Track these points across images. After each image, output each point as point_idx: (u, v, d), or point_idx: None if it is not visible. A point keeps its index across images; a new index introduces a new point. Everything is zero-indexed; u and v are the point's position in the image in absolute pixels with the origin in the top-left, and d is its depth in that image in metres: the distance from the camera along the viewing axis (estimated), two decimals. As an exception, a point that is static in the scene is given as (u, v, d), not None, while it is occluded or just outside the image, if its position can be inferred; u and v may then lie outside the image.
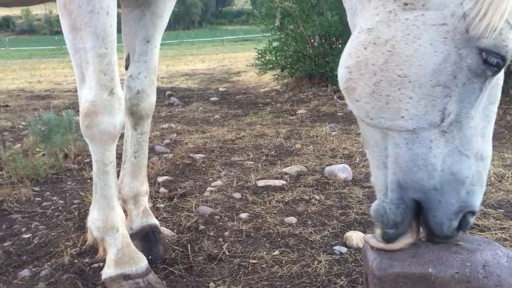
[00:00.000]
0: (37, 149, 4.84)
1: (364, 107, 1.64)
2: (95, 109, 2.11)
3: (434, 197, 1.61)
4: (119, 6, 2.31)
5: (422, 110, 1.54)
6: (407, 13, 1.51)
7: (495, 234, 2.77)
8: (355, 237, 2.76)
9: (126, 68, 2.61)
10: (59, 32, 2.13)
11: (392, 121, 1.59)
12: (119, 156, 2.82)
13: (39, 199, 3.74)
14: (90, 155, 2.28)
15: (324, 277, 2.41)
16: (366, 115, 1.65)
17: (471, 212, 1.64)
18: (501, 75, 1.60)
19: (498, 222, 2.94)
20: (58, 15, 2.13)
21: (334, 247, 2.73)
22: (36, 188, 3.98)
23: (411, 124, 1.56)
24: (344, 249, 2.70)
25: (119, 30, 2.18)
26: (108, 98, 2.11)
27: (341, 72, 1.68)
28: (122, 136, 2.82)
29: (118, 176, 2.65)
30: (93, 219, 2.34)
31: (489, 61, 1.45)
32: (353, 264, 2.54)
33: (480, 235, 2.75)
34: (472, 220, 1.68)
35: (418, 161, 1.59)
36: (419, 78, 1.51)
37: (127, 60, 2.60)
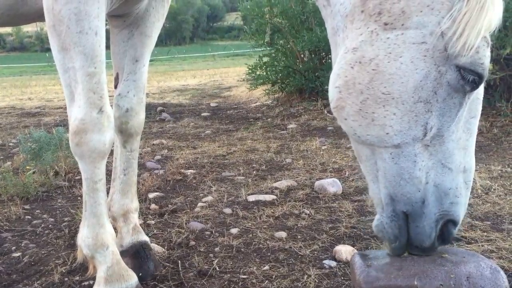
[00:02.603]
0: (27, 167, 4.84)
1: (352, 125, 1.70)
2: (84, 127, 2.13)
3: (420, 209, 1.66)
4: (107, 24, 2.35)
5: (405, 126, 1.60)
6: (387, 32, 1.56)
7: (482, 246, 2.80)
8: (345, 251, 2.79)
9: (115, 87, 2.64)
10: (50, 49, 2.17)
11: (378, 138, 1.64)
12: (108, 173, 2.84)
13: (29, 217, 3.73)
14: (80, 172, 2.30)
15: (313, 291, 2.43)
16: (353, 132, 1.71)
17: (453, 222, 1.69)
18: (481, 90, 1.66)
19: (485, 234, 2.98)
20: (49, 34, 2.16)
21: (324, 261, 2.75)
22: (26, 206, 3.97)
23: (395, 139, 1.62)
24: (333, 263, 2.72)
25: (108, 47, 2.22)
26: (97, 116, 2.13)
27: (331, 92, 1.74)
28: (112, 153, 2.85)
29: (108, 193, 2.67)
30: (83, 237, 2.35)
31: (466, 78, 1.50)
32: (342, 278, 2.56)
33: (467, 247, 2.78)
34: (455, 231, 1.72)
35: (405, 174, 1.64)
36: (402, 95, 1.56)
37: (116, 79, 2.63)
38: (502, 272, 1.75)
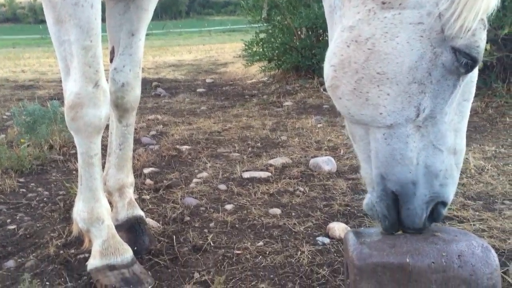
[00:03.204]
0: (21, 140, 4.81)
1: (346, 104, 1.69)
2: (80, 102, 2.12)
3: (411, 190, 1.67)
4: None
5: (399, 106, 1.60)
6: (385, 11, 1.55)
7: (474, 225, 2.84)
8: (338, 228, 2.82)
9: (111, 61, 2.61)
10: (44, 21, 2.13)
11: (371, 117, 1.64)
12: (104, 148, 2.83)
13: (24, 190, 3.74)
14: (75, 147, 2.29)
15: (306, 267, 2.46)
16: (348, 112, 1.71)
17: (443, 203, 1.71)
18: (475, 73, 1.66)
19: (477, 213, 3.01)
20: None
21: (317, 238, 2.79)
22: (21, 179, 3.97)
23: (389, 120, 1.62)
24: (327, 240, 2.76)
25: (103, 20, 2.19)
26: (93, 91, 2.12)
27: (327, 71, 1.73)
28: (107, 127, 2.84)
29: (103, 167, 2.67)
30: (79, 211, 2.36)
31: (461, 60, 1.50)
32: (335, 254, 2.60)
33: (459, 226, 2.82)
34: (445, 211, 1.75)
35: (396, 155, 1.65)
36: (397, 75, 1.56)
37: (112, 53, 2.61)
38: (493, 251, 1.78)
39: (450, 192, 1.71)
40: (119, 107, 2.62)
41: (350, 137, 1.83)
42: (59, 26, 2.04)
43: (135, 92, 2.63)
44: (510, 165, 3.90)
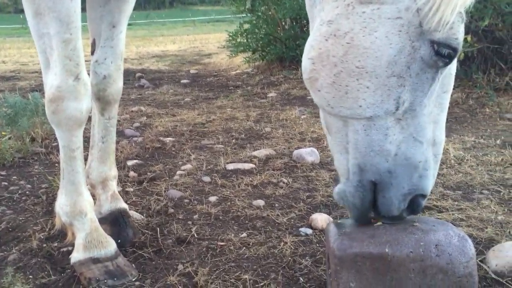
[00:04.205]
0: (3, 133, 4.75)
1: (325, 97, 1.71)
2: (60, 95, 2.11)
3: (388, 179, 1.71)
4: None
5: (378, 99, 1.62)
6: (363, 6, 1.57)
7: (453, 214, 2.90)
8: (320, 219, 2.85)
9: (92, 53, 2.60)
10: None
11: (351, 110, 1.67)
12: (87, 140, 2.82)
13: (6, 183, 3.70)
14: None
15: (289, 258, 2.50)
16: (327, 104, 1.73)
17: (422, 195, 1.75)
18: (453, 65, 1.69)
19: (456, 203, 3.08)
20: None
21: (300, 229, 2.82)
22: (3, 172, 3.93)
23: (368, 112, 1.65)
24: (309, 231, 2.79)
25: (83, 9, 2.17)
26: (74, 84, 2.11)
27: (305, 63, 1.75)
28: (90, 120, 2.82)
29: (86, 160, 2.67)
30: (61, 204, 2.36)
31: (441, 52, 1.53)
32: (317, 245, 2.64)
33: (439, 216, 2.88)
34: (423, 202, 1.79)
35: (375, 146, 1.68)
36: (376, 69, 1.58)
37: (93, 45, 2.59)
38: (469, 240, 1.83)
39: (429, 184, 1.75)
40: (101, 99, 2.61)
41: (325, 129, 1.86)
42: (38, 19, 2.02)
43: (117, 85, 2.62)
44: (489, 155, 3.97)
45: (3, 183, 3.70)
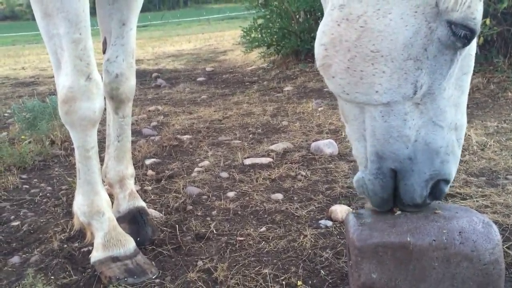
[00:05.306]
0: (23, 137, 4.82)
1: (340, 83, 1.67)
2: (73, 96, 2.11)
3: (408, 166, 1.65)
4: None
5: (395, 84, 1.57)
6: None
7: (477, 201, 2.82)
8: (340, 210, 2.81)
9: (104, 52, 2.59)
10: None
11: (367, 96, 1.62)
12: (103, 140, 2.83)
13: (27, 186, 3.75)
14: (75, 141, 2.28)
15: (310, 251, 2.46)
16: (342, 90, 1.68)
17: (445, 180, 1.68)
18: (473, 46, 1.62)
19: (480, 189, 2.99)
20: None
21: (320, 221, 2.78)
22: (24, 176, 3.98)
23: (385, 97, 1.59)
24: (329, 223, 2.75)
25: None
26: (85, 84, 2.10)
27: (317, 50, 1.70)
28: (104, 120, 2.83)
29: (103, 160, 2.67)
30: (78, 204, 2.36)
31: (458, 33, 1.47)
32: (338, 237, 2.59)
33: (462, 203, 2.80)
34: (447, 188, 1.72)
35: (394, 132, 1.63)
36: (391, 52, 1.53)
37: (104, 43, 2.59)
38: (494, 226, 1.76)
39: (452, 169, 1.68)
40: (115, 98, 2.61)
41: (342, 117, 1.81)
42: (48, 20, 2.02)
43: (130, 83, 2.62)
44: (513, 140, 3.86)
45: (24, 186, 3.75)
